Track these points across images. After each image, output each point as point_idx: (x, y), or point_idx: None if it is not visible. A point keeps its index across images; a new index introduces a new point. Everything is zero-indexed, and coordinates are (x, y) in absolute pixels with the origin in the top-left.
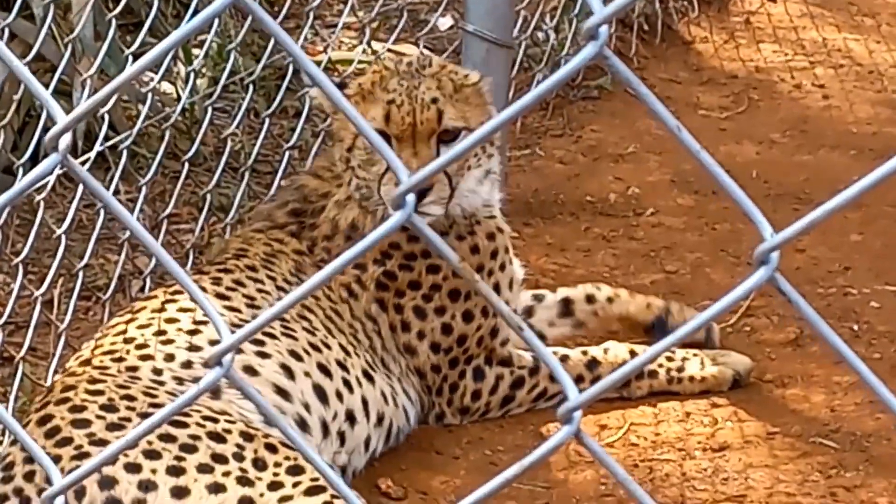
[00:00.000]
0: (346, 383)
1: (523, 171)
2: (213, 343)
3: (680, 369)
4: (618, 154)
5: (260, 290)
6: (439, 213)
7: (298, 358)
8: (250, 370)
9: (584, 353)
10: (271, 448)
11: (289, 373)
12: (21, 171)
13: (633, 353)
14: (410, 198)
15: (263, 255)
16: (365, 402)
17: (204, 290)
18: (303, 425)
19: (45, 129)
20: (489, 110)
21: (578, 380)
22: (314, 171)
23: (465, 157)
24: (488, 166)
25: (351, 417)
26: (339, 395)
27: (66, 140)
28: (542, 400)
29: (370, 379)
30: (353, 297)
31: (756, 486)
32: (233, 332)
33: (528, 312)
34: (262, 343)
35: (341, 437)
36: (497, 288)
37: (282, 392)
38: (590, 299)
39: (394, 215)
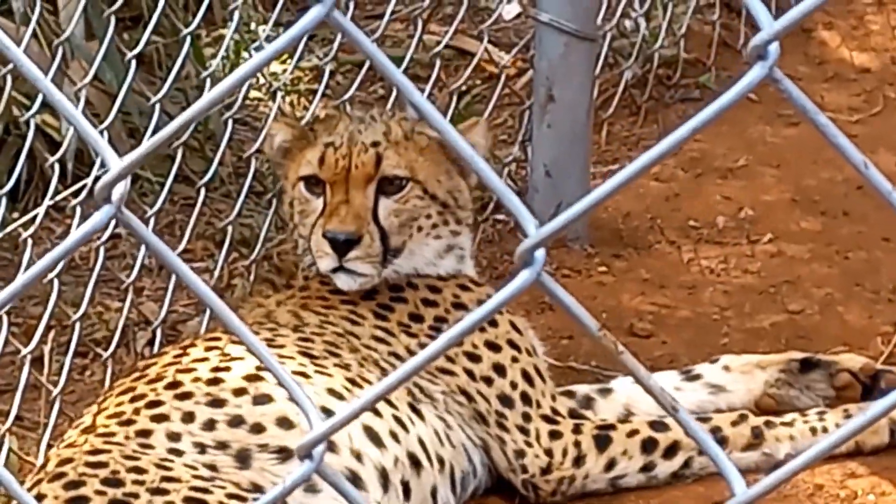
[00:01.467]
0: (398, 421)
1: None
2: (238, 393)
3: (821, 415)
4: (726, 168)
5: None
6: (368, 272)
7: (339, 396)
8: (285, 422)
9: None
10: None
11: (329, 415)
12: (4, 200)
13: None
14: (540, 254)
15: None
16: (422, 443)
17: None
18: (355, 480)
19: (31, 152)
20: (446, 170)
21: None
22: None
23: (412, 215)
24: (451, 241)
25: (415, 461)
26: (395, 436)
27: (119, 190)
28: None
29: (418, 413)
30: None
31: None
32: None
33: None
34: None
35: (405, 487)
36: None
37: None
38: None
39: (521, 274)
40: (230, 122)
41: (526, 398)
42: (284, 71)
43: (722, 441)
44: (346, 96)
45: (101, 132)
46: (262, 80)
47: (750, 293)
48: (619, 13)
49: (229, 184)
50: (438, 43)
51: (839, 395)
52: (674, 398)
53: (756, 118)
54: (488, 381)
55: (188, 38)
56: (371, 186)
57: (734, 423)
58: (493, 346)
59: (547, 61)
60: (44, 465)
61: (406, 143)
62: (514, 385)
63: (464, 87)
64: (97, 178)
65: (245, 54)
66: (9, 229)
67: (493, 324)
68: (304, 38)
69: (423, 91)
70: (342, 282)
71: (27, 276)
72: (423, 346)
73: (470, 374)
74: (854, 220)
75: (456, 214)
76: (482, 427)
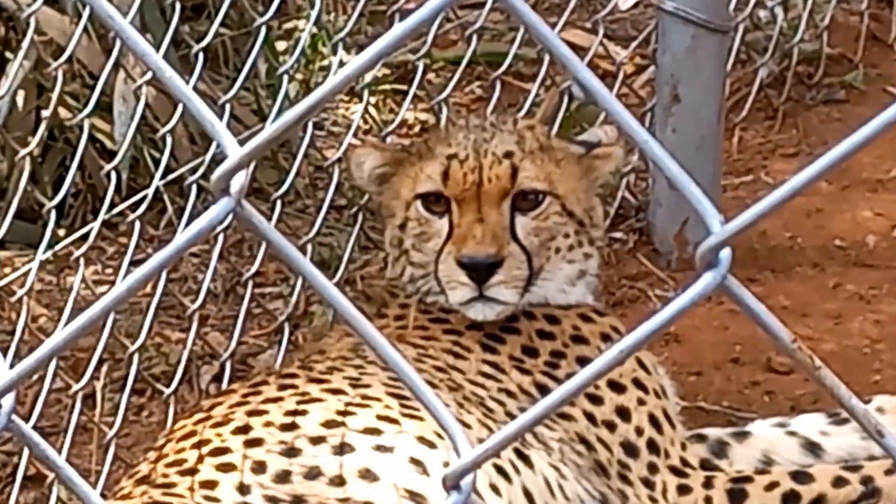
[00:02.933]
0: (500, 470)
1: (745, 204)
2: (316, 441)
3: None
4: (876, 180)
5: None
6: (512, 300)
7: (431, 445)
8: (369, 475)
9: None
10: None
11: (422, 468)
12: (53, 213)
13: None
14: (725, 255)
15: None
16: (529, 495)
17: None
18: None
19: (81, 163)
20: (585, 185)
21: None
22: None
23: (551, 234)
24: (584, 266)
25: None
26: (495, 489)
27: (239, 180)
28: None
29: (526, 460)
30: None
31: None
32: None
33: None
34: (377, 432)
35: None
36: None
37: (414, 496)
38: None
39: (704, 277)
40: (309, 126)
41: (653, 446)
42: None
43: (874, 492)
44: (440, 98)
45: (164, 137)
46: None
47: None
48: (753, 2)
49: (306, 197)
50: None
51: None
52: (879, 422)
53: None
54: (611, 426)
55: (261, 30)
56: (506, 202)
57: (889, 472)
58: (617, 387)
59: (671, 56)
60: None
61: (542, 153)
62: (639, 431)
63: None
64: (157, 190)
65: (323, 49)
66: (57, 248)
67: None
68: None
69: (528, 92)
70: (478, 312)
71: (120, 289)
72: (537, 384)
73: (590, 417)
74: None
75: (590, 234)
76: (602, 479)
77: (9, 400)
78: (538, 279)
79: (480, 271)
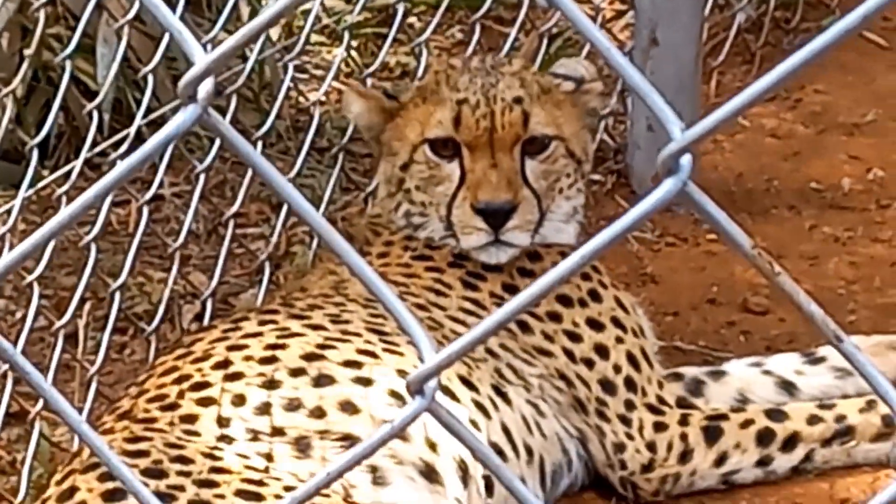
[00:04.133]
0: (479, 406)
1: (722, 149)
2: (295, 374)
3: None
4: (852, 124)
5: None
6: (524, 243)
7: None
8: (349, 406)
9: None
10: None
11: (401, 401)
12: (35, 152)
13: None
14: (686, 160)
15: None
16: (507, 431)
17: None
18: (429, 474)
19: (64, 103)
20: (584, 129)
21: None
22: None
23: (557, 175)
24: (578, 201)
25: (498, 452)
26: (475, 424)
27: (206, 87)
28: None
29: (504, 397)
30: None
31: None
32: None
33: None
34: (357, 365)
35: (487, 482)
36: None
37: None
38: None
39: (665, 182)
40: (290, 68)
41: (630, 384)
42: (351, 12)
43: (848, 430)
44: (421, 40)
45: (145, 77)
46: (324, 22)
47: (880, 265)
48: None
49: (287, 139)
50: None
51: None
52: (836, 329)
53: (886, 66)
54: (589, 363)
55: None
56: (517, 148)
57: (862, 411)
58: (596, 325)
59: (650, 1)
60: (77, 454)
61: (545, 96)
62: (617, 369)
63: (555, 30)
64: (140, 131)
65: None
66: (40, 185)
67: (597, 299)
68: None
69: (508, 35)
70: (492, 255)
71: (105, 182)
72: (518, 321)
73: (570, 355)
74: None
75: (583, 170)
76: (580, 416)
77: None
78: (545, 220)
79: (497, 216)
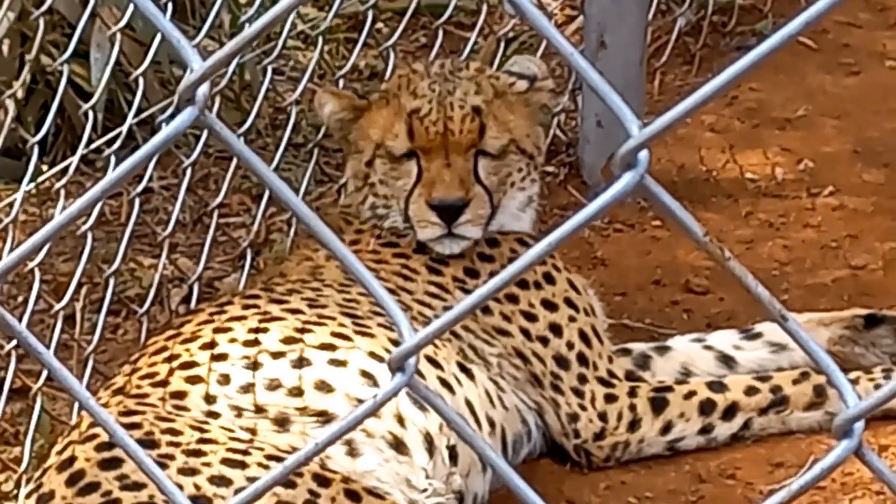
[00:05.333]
0: (444, 382)
1: (665, 142)
2: (276, 356)
3: (888, 372)
4: (784, 119)
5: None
6: (476, 235)
7: (380, 359)
8: (324, 386)
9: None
10: (353, 495)
11: (372, 381)
12: (35, 149)
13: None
14: (643, 156)
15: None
16: (470, 405)
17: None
18: (398, 446)
19: (61, 104)
20: (536, 126)
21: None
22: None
23: (509, 171)
24: (532, 191)
25: None
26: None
27: (203, 90)
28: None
29: (468, 373)
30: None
31: None
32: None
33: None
34: (332, 348)
35: (451, 452)
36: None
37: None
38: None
39: (624, 176)
40: (268, 71)
41: (582, 359)
42: (324, 18)
43: (783, 400)
44: (388, 44)
45: (136, 80)
46: (300, 28)
47: (810, 248)
48: None
49: (266, 136)
50: None
51: None
52: (782, 308)
53: (815, 67)
54: (544, 341)
55: None
56: (471, 151)
57: (796, 382)
58: (550, 305)
59: (598, 7)
60: (76, 426)
61: (499, 101)
62: (570, 345)
63: (511, 34)
64: (131, 128)
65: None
66: (40, 180)
67: (551, 281)
68: None
69: (467, 39)
70: (445, 247)
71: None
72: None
73: (526, 333)
74: None
75: (535, 162)
76: (537, 390)
77: None
78: (497, 212)
79: (450, 212)
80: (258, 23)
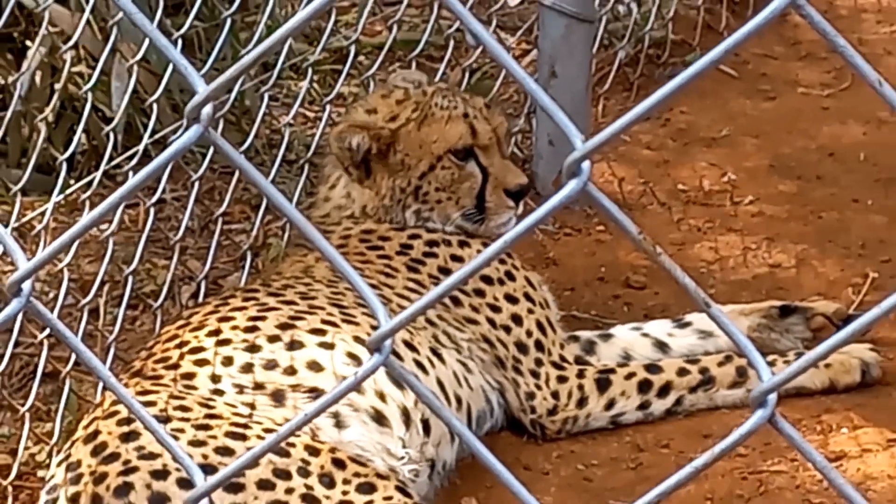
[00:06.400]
0: (419, 364)
1: (607, 159)
2: (272, 340)
3: (800, 355)
4: (710, 138)
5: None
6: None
7: (364, 343)
8: (315, 365)
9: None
10: (339, 463)
11: (356, 361)
12: (64, 166)
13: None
14: (586, 166)
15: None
16: (441, 384)
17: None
18: (379, 419)
19: (86, 127)
20: None
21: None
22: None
23: None
24: None
25: None
26: (415, 378)
27: (207, 110)
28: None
29: (440, 357)
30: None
31: (877, 499)
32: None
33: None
34: (322, 333)
35: (425, 424)
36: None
37: None
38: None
39: (569, 183)
40: (265, 97)
41: (539, 346)
42: (313, 52)
43: (710, 380)
44: (368, 74)
45: (150, 105)
46: (292, 60)
47: (733, 249)
48: None
49: (263, 153)
50: (451, 27)
51: (816, 336)
52: (706, 297)
53: (737, 93)
54: (507, 329)
55: (227, 23)
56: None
57: (720, 364)
58: (512, 299)
59: (549, 42)
60: (100, 404)
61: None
62: (529, 334)
63: (474, 66)
64: (147, 147)
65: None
66: (67, 192)
67: (512, 279)
68: (332, 20)
69: (437, 70)
70: (510, 226)
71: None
72: (452, 298)
73: (492, 322)
74: (826, 184)
75: None
76: (500, 371)
77: (27, 285)
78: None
79: (521, 194)
80: (253, 52)
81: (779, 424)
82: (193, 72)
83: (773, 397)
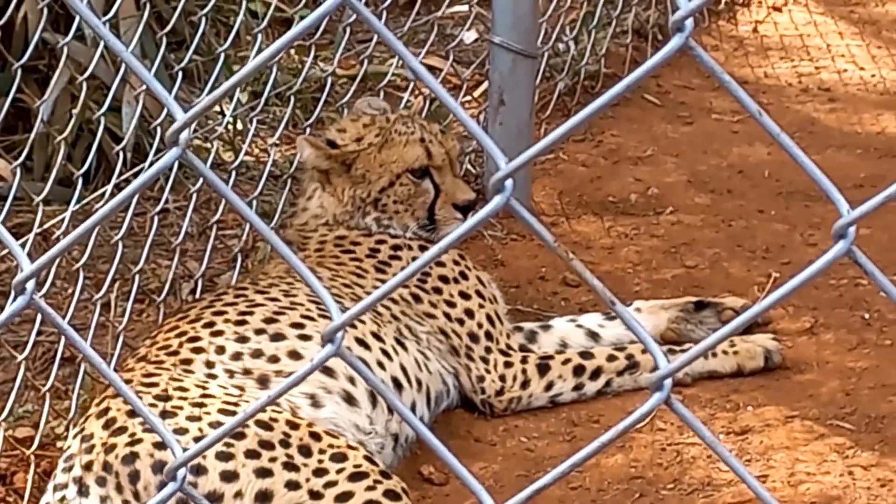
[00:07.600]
0: (385, 352)
1: (549, 174)
2: (258, 332)
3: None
4: (637, 157)
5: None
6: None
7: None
8: (295, 354)
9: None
10: (315, 436)
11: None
12: (80, 180)
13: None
14: (509, 183)
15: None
16: (404, 369)
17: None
18: (350, 400)
19: (100, 146)
20: None
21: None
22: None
23: None
24: None
25: (396, 384)
26: (381, 365)
27: (185, 135)
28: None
29: (403, 346)
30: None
31: (777, 467)
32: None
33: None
34: (302, 326)
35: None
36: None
37: (326, 370)
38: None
39: (495, 199)
40: (254, 122)
41: (488, 336)
42: (295, 82)
43: (635, 365)
44: (342, 102)
45: (155, 128)
46: (278, 89)
47: (656, 253)
48: (554, 37)
49: (253, 169)
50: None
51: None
52: (611, 295)
53: (660, 118)
54: (461, 322)
55: (222, 57)
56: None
57: (644, 351)
58: (465, 295)
59: (499, 74)
60: (109, 385)
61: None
62: (480, 325)
63: (434, 95)
64: (152, 162)
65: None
66: (83, 202)
67: (465, 278)
68: (312, 55)
69: (402, 98)
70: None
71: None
72: (412, 294)
73: (447, 316)
74: (735, 197)
75: None
76: (455, 358)
77: (31, 284)
78: None
79: (468, 209)
80: (226, 84)
81: (674, 406)
82: (172, 101)
83: (668, 382)
